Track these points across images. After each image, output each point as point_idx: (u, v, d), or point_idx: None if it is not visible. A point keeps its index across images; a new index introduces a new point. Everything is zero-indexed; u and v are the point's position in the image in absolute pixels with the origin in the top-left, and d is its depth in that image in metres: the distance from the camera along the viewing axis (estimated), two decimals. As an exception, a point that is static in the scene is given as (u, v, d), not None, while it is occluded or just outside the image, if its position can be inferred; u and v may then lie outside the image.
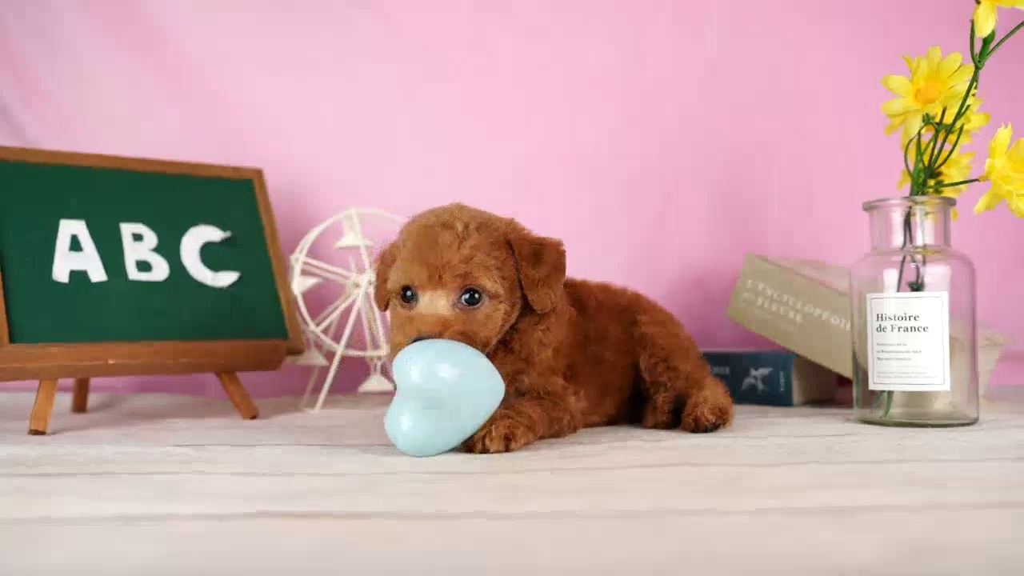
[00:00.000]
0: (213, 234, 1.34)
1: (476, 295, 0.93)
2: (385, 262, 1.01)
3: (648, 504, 0.64)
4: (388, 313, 1.00)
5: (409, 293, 0.94)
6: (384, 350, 1.42)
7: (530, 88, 1.68)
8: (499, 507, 0.64)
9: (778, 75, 1.68)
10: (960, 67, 1.03)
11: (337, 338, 1.45)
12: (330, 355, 1.43)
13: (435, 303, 0.92)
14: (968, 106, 1.05)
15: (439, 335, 0.89)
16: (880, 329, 1.07)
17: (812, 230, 1.68)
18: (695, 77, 1.69)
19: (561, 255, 1.00)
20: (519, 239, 0.97)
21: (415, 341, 0.89)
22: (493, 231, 0.96)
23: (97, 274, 1.22)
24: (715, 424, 1.05)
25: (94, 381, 1.49)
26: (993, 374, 1.37)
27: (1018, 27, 0.97)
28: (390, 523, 0.60)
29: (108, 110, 1.61)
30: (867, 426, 1.08)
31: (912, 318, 1.06)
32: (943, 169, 1.14)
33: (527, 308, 1.00)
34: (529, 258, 0.97)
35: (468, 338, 0.91)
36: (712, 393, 1.10)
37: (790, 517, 0.59)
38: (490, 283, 0.93)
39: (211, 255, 1.32)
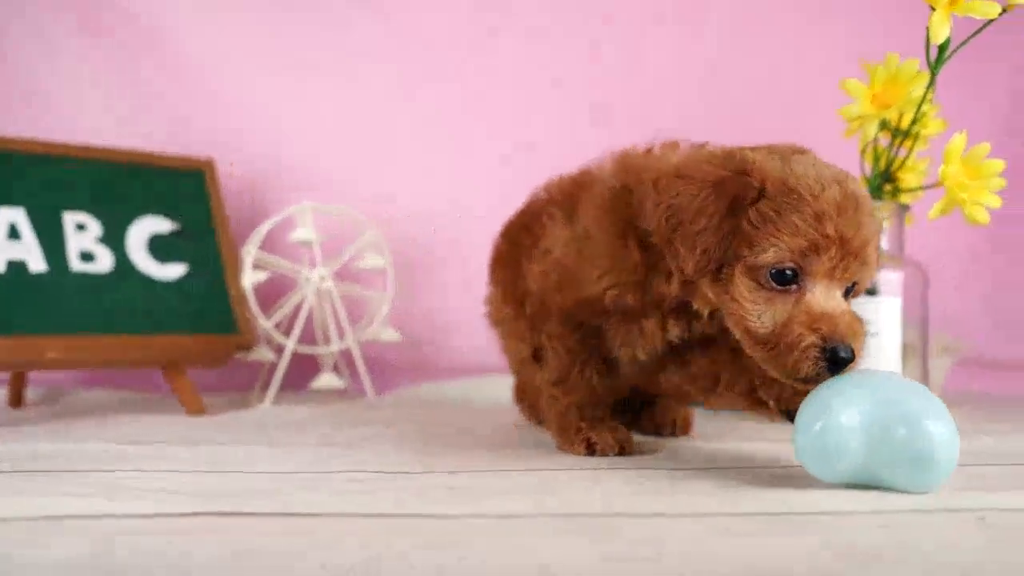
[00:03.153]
0: (161, 225, 1.30)
1: (856, 286, 0.75)
2: (724, 210, 0.74)
3: (593, 506, 0.63)
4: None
5: (789, 274, 0.73)
6: (336, 345, 1.39)
7: (529, 88, 1.66)
8: (438, 508, 0.62)
9: (778, 75, 1.67)
10: (917, 73, 1.03)
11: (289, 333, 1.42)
12: (282, 351, 1.40)
13: (833, 295, 0.73)
14: (924, 112, 1.05)
15: (856, 353, 0.71)
16: (834, 334, 1.07)
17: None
18: (695, 77, 1.67)
19: None
20: None
21: (834, 351, 0.70)
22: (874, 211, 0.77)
23: (37, 264, 1.18)
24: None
25: (37, 375, 1.44)
26: (949, 379, 1.37)
27: (973, 35, 0.97)
28: (327, 523, 0.58)
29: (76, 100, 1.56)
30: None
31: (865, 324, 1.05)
32: (899, 175, 1.14)
33: None
34: None
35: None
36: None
37: (732, 521, 0.58)
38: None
39: (159, 247, 1.29)
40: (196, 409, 1.23)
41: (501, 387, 1.46)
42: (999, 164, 1.01)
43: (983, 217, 1.03)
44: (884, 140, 1.12)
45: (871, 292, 1.08)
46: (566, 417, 0.91)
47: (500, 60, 1.66)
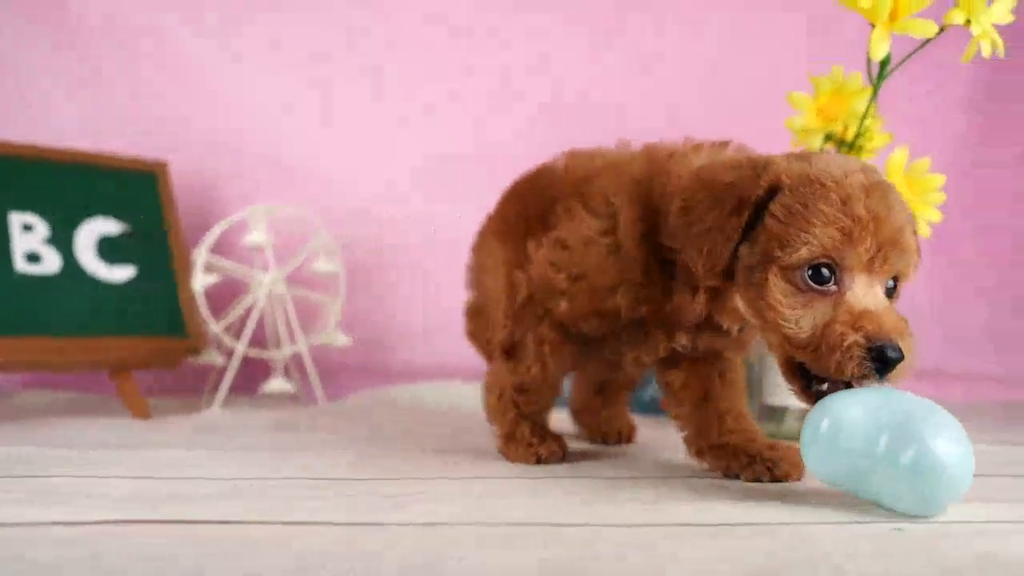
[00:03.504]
0: (111, 227, 1.29)
1: (897, 283, 0.72)
2: (739, 210, 0.72)
3: (523, 514, 0.63)
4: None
5: (826, 273, 0.69)
6: (287, 350, 1.38)
7: (452, 86, 1.65)
8: (370, 515, 0.62)
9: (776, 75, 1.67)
10: (860, 88, 1.04)
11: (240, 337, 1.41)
12: (232, 354, 1.39)
13: (874, 291, 0.70)
14: (867, 127, 1.06)
15: (904, 352, 0.67)
16: (777, 343, 1.08)
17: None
18: (659, 76, 1.66)
19: None
20: None
21: (880, 348, 0.66)
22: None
23: (-19, 265, 1.17)
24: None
25: (-18, 376, 1.43)
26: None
27: (913, 52, 0.98)
28: (256, 530, 0.58)
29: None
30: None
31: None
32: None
33: None
34: None
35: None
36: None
37: (663, 531, 0.58)
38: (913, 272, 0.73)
39: (108, 248, 1.28)
40: (141, 413, 1.22)
41: (454, 392, 1.47)
42: (939, 178, 1.03)
43: (923, 230, 1.04)
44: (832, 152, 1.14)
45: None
46: (518, 427, 0.90)
47: (467, 59, 1.65)
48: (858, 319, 0.67)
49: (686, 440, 0.86)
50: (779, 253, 0.69)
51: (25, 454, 0.88)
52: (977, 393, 1.61)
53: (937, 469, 0.62)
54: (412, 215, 1.58)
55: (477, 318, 1.09)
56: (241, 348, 1.34)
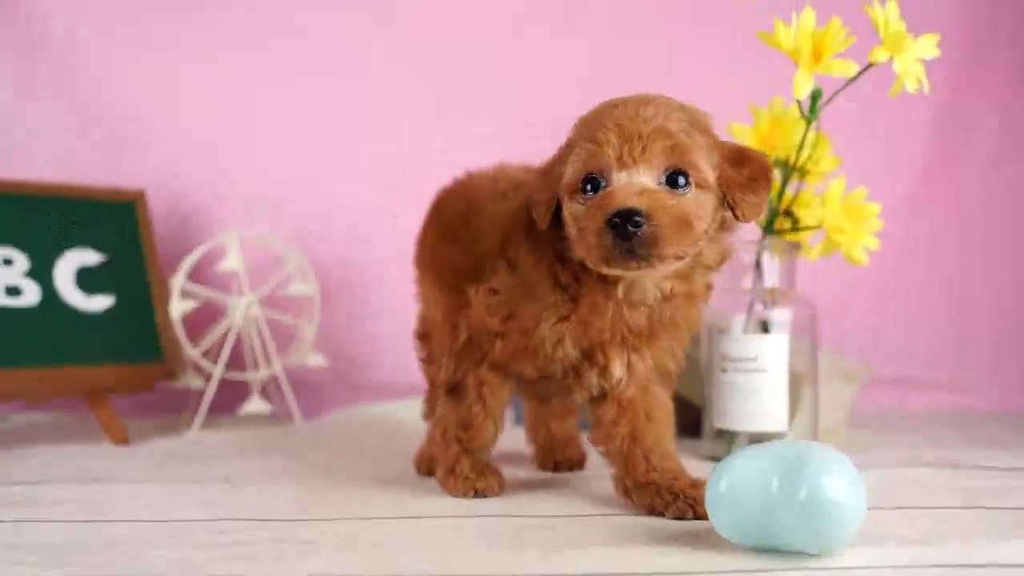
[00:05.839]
0: (90, 257, 1.34)
1: (682, 178, 0.76)
2: (554, 168, 0.83)
3: (422, 568, 0.66)
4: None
5: (593, 182, 0.77)
6: (264, 372, 1.43)
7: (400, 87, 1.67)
8: (265, 568, 0.66)
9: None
10: (798, 119, 1.06)
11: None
12: (211, 377, 1.43)
13: (634, 179, 0.76)
14: (810, 156, 1.08)
15: (648, 208, 0.73)
16: (723, 370, 1.10)
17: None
18: (571, 79, 1.68)
19: (769, 168, 0.81)
20: (719, 140, 0.81)
21: (613, 218, 0.73)
22: (696, 114, 0.80)
23: (-39, 300, 1.22)
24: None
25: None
26: (858, 401, 1.41)
27: (836, 93, 1.00)
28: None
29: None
30: (713, 463, 1.11)
31: (753, 360, 1.09)
32: (796, 210, 1.17)
33: None
34: (731, 158, 0.80)
35: (685, 223, 0.75)
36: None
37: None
38: (702, 163, 0.77)
39: (87, 279, 1.32)
40: (119, 438, 1.26)
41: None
42: (876, 207, 1.05)
43: (861, 258, 1.07)
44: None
45: (764, 329, 1.11)
46: (459, 462, 0.92)
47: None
48: (598, 204, 0.75)
49: (614, 478, 0.89)
50: (561, 184, 0.80)
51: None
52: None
53: (827, 504, 0.65)
54: (382, 231, 1.61)
55: (427, 343, 1.11)
56: (219, 371, 1.39)
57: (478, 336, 0.90)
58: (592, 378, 0.87)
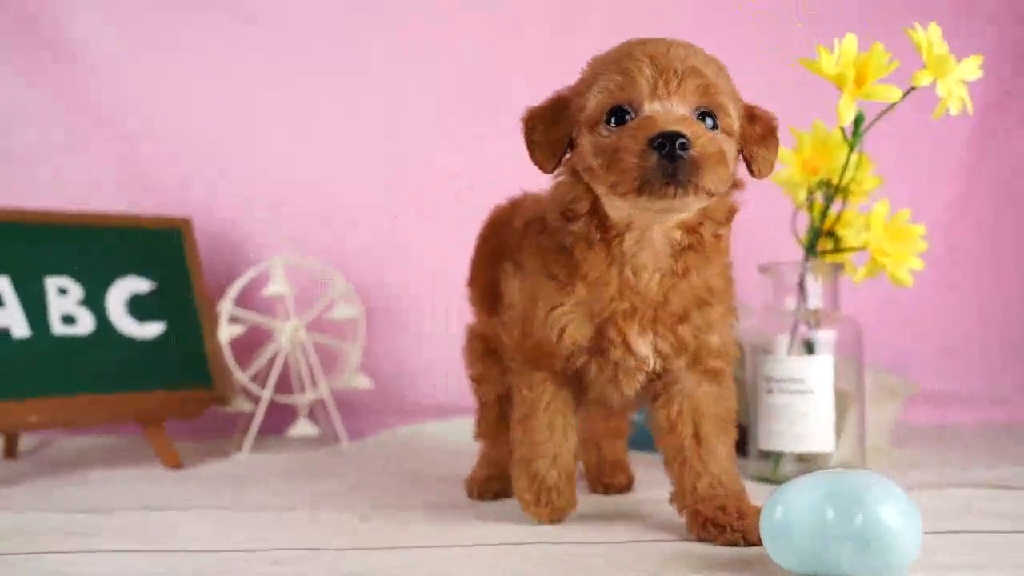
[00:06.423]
0: (140, 285, 1.37)
1: (711, 119, 0.76)
2: (568, 102, 0.82)
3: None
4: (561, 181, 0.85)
5: (619, 115, 0.76)
6: (310, 395, 1.45)
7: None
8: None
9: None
10: (841, 142, 1.07)
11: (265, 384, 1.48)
12: (259, 400, 1.46)
13: (669, 108, 0.75)
14: (852, 178, 1.09)
15: (692, 136, 0.72)
16: (769, 391, 1.11)
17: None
18: (571, 79, 1.68)
19: (776, 127, 0.83)
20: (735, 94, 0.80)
21: (657, 139, 0.72)
22: (721, 64, 0.80)
23: (20, 330, 1.25)
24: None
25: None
26: (900, 418, 1.41)
27: (879, 117, 1.01)
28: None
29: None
30: (759, 483, 1.11)
31: (799, 381, 1.09)
32: (838, 230, 1.17)
33: None
34: (746, 113, 0.81)
35: (722, 157, 0.75)
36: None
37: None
38: (730, 106, 0.77)
39: (137, 306, 1.36)
40: (173, 463, 1.29)
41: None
42: (920, 229, 1.05)
43: (907, 279, 1.07)
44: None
45: (809, 350, 1.12)
46: (531, 486, 0.90)
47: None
48: (637, 127, 0.74)
49: (672, 497, 0.89)
50: (580, 117, 0.78)
51: (52, 522, 0.95)
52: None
53: (884, 534, 0.65)
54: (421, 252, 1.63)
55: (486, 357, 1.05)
56: (267, 395, 1.41)
57: (506, 353, 0.91)
58: (617, 358, 0.84)
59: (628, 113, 0.76)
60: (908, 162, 1.56)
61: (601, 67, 0.79)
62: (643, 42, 0.78)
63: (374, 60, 1.68)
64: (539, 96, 1.48)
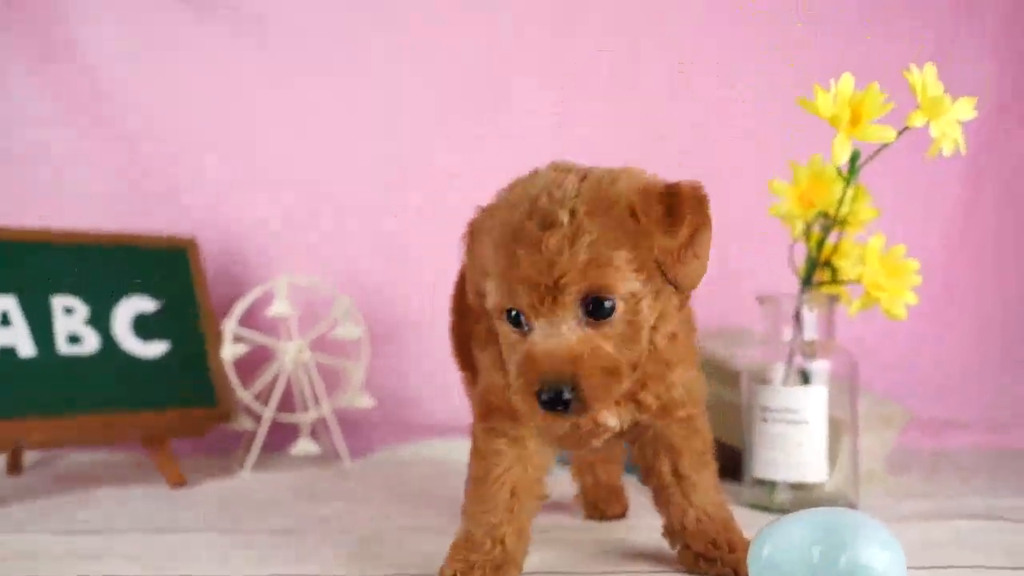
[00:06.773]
0: (146, 304, 1.39)
1: (605, 303, 0.71)
2: (472, 250, 0.79)
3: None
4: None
5: (515, 314, 0.73)
6: (313, 413, 1.47)
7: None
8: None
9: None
10: (837, 176, 1.08)
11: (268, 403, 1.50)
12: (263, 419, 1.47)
13: (555, 330, 0.71)
14: (850, 211, 1.10)
15: (573, 376, 0.69)
16: (764, 420, 1.12)
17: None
18: (571, 79, 1.69)
19: (701, 202, 0.74)
20: (645, 197, 0.73)
21: (540, 394, 0.70)
22: (610, 204, 0.72)
23: (26, 349, 1.27)
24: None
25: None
26: (896, 445, 1.42)
27: (872, 156, 1.02)
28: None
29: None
30: (754, 511, 1.12)
31: (794, 411, 1.11)
32: (835, 260, 1.18)
33: None
34: (661, 222, 0.72)
35: (614, 374, 0.72)
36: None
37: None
38: (621, 282, 0.71)
39: (142, 325, 1.37)
40: (176, 481, 1.31)
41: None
42: (915, 264, 1.07)
43: (901, 313, 1.08)
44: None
45: (805, 380, 1.13)
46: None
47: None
48: (523, 364, 0.71)
49: (664, 531, 0.90)
50: (487, 300, 0.75)
51: (57, 546, 0.97)
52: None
53: (867, 573, 0.67)
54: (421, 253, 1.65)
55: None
56: (269, 414, 1.43)
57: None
58: (584, 429, 0.83)
59: (521, 315, 0.73)
60: (905, 196, 1.57)
61: (499, 238, 0.73)
62: (516, 230, 0.71)
63: (374, 60, 1.70)
64: (539, 96, 1.49)
